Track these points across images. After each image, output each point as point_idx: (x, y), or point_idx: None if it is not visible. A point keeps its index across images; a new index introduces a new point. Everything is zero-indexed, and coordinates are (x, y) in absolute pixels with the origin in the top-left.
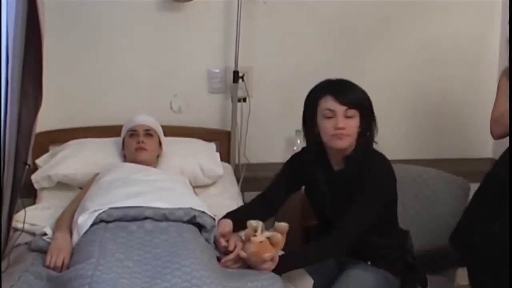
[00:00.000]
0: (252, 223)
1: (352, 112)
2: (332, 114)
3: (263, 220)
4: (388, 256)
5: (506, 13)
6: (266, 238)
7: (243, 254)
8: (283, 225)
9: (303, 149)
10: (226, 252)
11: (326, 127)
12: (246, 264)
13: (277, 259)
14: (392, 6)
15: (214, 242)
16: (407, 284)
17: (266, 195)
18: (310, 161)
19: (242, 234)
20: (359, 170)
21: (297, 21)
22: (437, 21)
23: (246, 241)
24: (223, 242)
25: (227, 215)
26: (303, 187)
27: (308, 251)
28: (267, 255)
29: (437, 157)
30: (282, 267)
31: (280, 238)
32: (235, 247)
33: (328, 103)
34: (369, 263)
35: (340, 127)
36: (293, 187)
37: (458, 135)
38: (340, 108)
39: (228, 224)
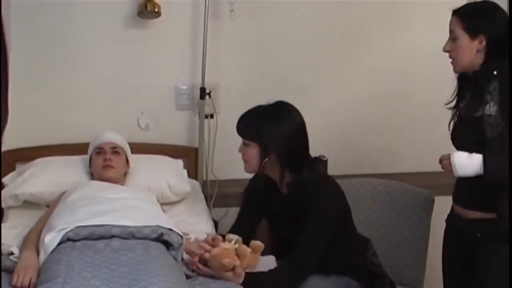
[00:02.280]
0: (230, 235)
1: (247, 141)
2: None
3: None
4: (350, 263)
5: None
6: (233, 248)
7: (206, 255)
8: (258, 244)
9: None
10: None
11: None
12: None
13: (241, 272)
14: (357, 23)
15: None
16: None
17: (239, 223)
18: (262, 185)
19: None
20: (304, 195)
21: (263, 37)
22: (400, 36)
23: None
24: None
25: None
26: None
27: (267, 277)
28: (226, 260)
29: (402, 170)
30: (246, 284)
31: (246, 250)
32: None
33: None
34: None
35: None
36: (258, 212)
37: (423, 148)
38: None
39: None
